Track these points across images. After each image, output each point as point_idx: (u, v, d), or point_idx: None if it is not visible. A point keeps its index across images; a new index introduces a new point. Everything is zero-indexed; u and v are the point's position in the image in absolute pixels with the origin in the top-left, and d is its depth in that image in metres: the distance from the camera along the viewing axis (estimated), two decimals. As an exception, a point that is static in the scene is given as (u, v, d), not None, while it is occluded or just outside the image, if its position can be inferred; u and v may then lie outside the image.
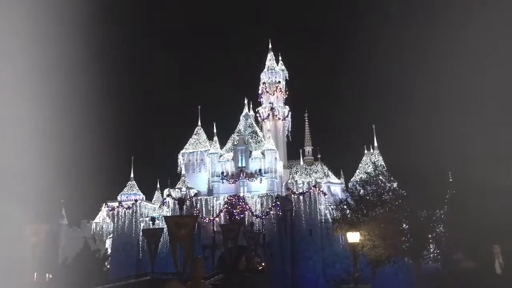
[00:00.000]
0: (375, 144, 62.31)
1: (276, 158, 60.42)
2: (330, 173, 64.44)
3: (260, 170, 59.40)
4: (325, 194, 55.78)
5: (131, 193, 60.78)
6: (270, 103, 67.32)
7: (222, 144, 63.79)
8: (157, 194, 69.05)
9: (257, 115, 68.04)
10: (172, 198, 57.22)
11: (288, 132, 68.11)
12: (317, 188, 54.82)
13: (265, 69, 69.74)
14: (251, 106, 67.91)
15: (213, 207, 56.64)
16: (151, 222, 55.19)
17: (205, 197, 58.30)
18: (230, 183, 59.79)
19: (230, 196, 56.73)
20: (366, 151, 62.54)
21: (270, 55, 70.77)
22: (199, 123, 67.56)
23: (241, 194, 57.40)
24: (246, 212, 55.19)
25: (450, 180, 35.06)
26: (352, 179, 57.82)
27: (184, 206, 53.35)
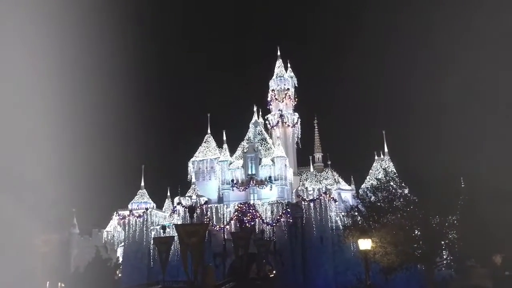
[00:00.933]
0: (386, 150, 61.99)
1: (286, 165, 60.30)
2: (340, 179, 64.16)
3: (270, 177, 59.26)
4: (335, 201, 55.50)
5: (142, 201, 61.01)
6: (279, 110, 67.37)
7: (232, 151, 63.81)
8: (167, 202, 69.17)
9: (267, 122, 68.08)
10: (183, 206, 57.26)
11: (297, 139, 68.05)
12: (328, 195, 54.56)
13: (274, 76, 69.84)
14: (260, 113, 67.94)
15: (223, 215, 56.60)
16: (161, 231, 55.23)
17: (216, 205, 58.27)
18: (240, 190, 59.71)
19: (241, 203, 56.63)
20: (376, 157, 62.19)
21: (279, 62, 70.89)
22: (209, 131, 67.67)
23: (251, 202, 57.29)
24: (256, 220, 55.04)
25: (463, 185, 34.68)
26: (362, 186, 57.51)
27: (195, 214, 53.24)
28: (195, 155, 66.14)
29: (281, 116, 66.76)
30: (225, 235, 54.54)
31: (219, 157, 62.91)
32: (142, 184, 62.44)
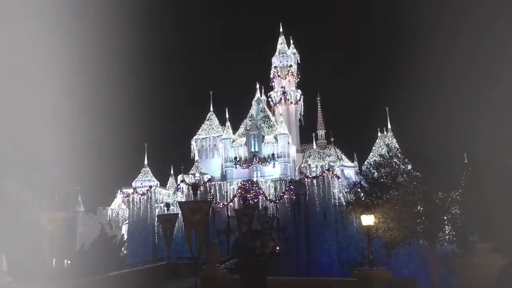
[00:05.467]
0: (389, 126, 61.85)
1: (289, 142, 60.32)
2: (343, 156, 64.23)
3: (273, 154, 59.39)
4: (338, 178, 55.66)
5: (146, 179, 61.37)
6: (282, 87, 67.02)
7: (235, 129, 63.81)
8: (171, 180, 69.57)
9: (269, 99, 67.83)
10: (186, 184, 57.59)
11: (300, 116, 67.90)
12: (331, 172, 54.72)
13: (276, 53, 69.32)
14: (263, 90, 67.72)
15: (226, 192, 56.93)
16: (165, 208, 55.58)
17: (219, 183, 58.58)
18: (243, 168, 59.92)
19: (244, 181, 56.91)
20: (379, 134, 62.15)
21: (281, 39, 70.26)
22: (211, 109, 67.60)
23: (255, 179, 57.55)
24: (260, 197, 55.39)
25: (466, 161, 34.66)
26: (365, 162, 57.56)
27: (198, 192, 53.77)
28: (198, 133, 66.18)
29: (284, 93, 66.46)
30: (229, 212, 54.99)
31: (222, 135, 62.96)
32: (146, 162, 62.72)
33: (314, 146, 60.46)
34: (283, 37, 70.39)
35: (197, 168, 60.08)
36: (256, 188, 55.71)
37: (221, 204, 56.13)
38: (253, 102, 65.06)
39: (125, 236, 62.78)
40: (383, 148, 50.82)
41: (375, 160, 43.10)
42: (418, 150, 33.84)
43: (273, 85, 68.66)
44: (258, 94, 65.56)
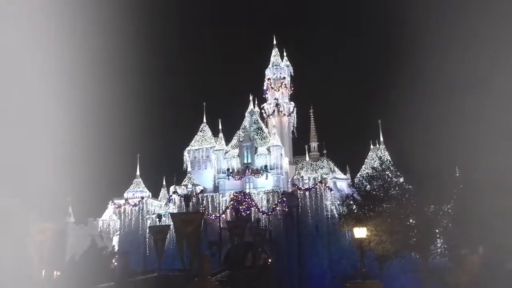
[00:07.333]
0: (381, 139, 62.10)
1: (281, 154, 60.32)
2: (336, 168, 64.27)
3: (265, 166, 59.32)
4: (331, 190, 55.64)
5: (137, 190, 61.02)
6: (275, 99, 67.23)
7: (228, 140, 63.73)
8: (163, 191, 69.15)
9: (262, 111, 67.96)
10: (178, 195, 57.30)
11: (293, 128, 67.98)
12: (323, 184, 54.70)
13: (270, 65, 69.61)
14: (256, 102, 67.75)
15: (219, 203, 56.68)
16: (157, 219, 55.28)
17: (211, 194, 58.33)
18: (236, 179, 59.75)
19: (236, 192, 56.72)
20: (372, 146, 62.36)
21: (275, 51, 70.64)
22: (204, 120, 67.58)
23: (247, 191, 57.37)
24: (252, 209, 55.17)
25: (457, 174, 34.86)
26: (358, 175, 57.65)
27: (190, 203, 53.40)
28: (190, 144, 66.06)
29: (277, 105, 66.65)
30: (221, 224, 54.69)
31: (214, 146, 62.86)
32: (138, 173, 62.41)
33: (307, 158, 60.41)
34: (277, 49, 70.79)
35: (190, 179, 59.85)
36: (249, 199, 55.54)
37: (213, 215, 55.86)
38: (246, 114, 65.12)
39: (116, 248, 62.22)
40: (375, 161, 50.93)
41: (367, 173, 43.28)
42: (410, 163, 33.99)
43: (266, 97, 68.87)
44: (251, 106, 65.64)
